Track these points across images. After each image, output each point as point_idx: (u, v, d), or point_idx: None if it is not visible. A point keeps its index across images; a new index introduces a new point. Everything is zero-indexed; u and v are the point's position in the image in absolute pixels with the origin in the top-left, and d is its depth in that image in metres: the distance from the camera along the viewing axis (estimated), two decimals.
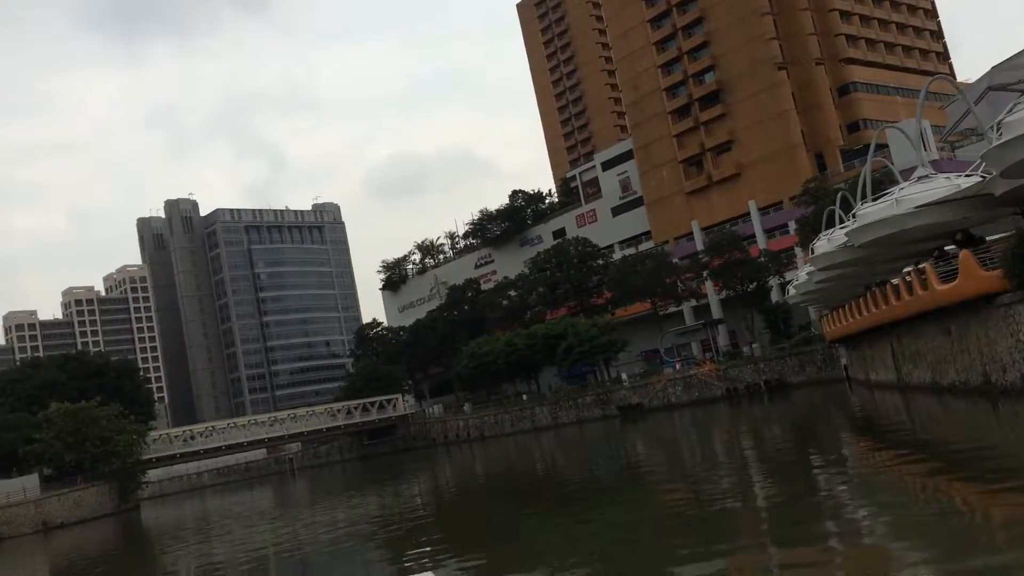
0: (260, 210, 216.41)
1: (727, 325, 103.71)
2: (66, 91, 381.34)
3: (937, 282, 35.86)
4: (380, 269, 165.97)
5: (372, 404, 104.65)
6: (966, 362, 36.67)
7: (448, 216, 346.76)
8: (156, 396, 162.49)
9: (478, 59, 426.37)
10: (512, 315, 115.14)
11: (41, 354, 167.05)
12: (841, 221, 50.81)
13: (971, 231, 36.86)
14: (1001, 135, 26.76)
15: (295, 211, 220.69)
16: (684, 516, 25.78)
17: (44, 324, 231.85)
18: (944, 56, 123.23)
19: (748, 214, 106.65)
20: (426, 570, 24.68)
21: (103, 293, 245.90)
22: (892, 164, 57.57)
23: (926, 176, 37.52)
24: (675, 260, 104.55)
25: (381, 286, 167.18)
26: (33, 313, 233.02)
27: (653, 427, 68.31)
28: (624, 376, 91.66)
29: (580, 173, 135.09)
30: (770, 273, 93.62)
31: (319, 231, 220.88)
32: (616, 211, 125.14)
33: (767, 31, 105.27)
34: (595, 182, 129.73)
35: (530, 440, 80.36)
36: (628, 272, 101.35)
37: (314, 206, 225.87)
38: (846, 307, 54.92)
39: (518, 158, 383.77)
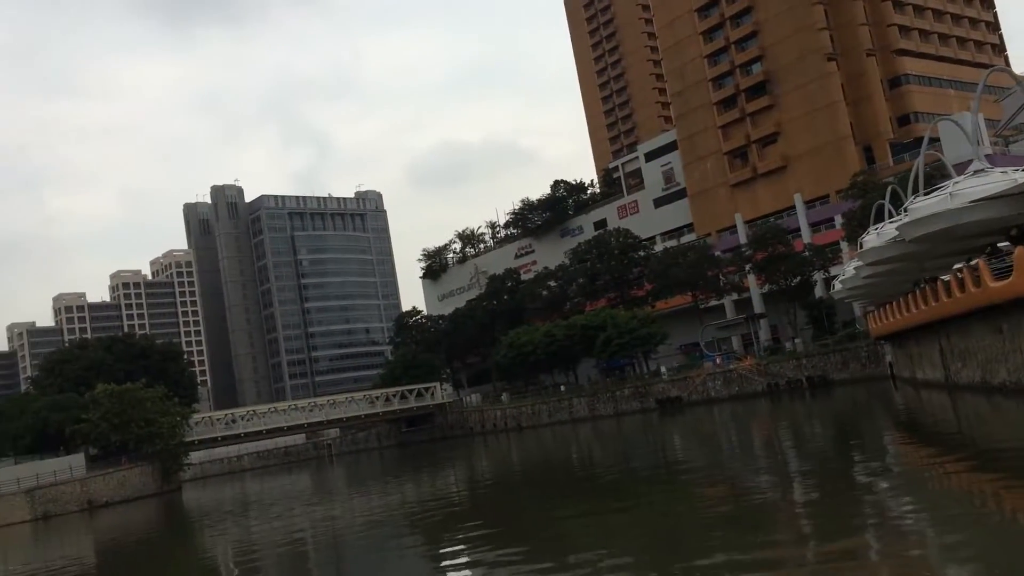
0: (304, 197, 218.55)
1: (769, 320, 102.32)
2: (119, 74, 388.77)
3: (990, 279, 34.85)
4: (421, 257, 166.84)
5: (410, 392, 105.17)
6: (1018, 361, 35.63)
7: (489, 205, 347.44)
8: (199, 379, 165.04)
9: (524, 48, 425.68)
10: (551, 306, 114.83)
11: (89, 336, 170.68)
12: (891, 215, 49.69)
13: None
14: None
15: (338, 198, 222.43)
16: (722, 510, 25.46)
17: (92, 306, 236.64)
18: (1000, 48, 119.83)
19: (793, 207, 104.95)
20: (461, 557, 24.64)
21: (150, 277, 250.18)
22: (943, 158, 56.15)
23: (982, 170, 36.48)
24: (717, 253, 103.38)
25: (421, 274, 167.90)
26: (82, 295, 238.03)
27: (692, 421, 67.70)
28: (663, 369, 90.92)
29: (623, 164, 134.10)
30: (814, 268, 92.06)
31: (361, 219, 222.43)
32: (658, 203, 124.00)
33: (817, 21, 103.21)
34: (638, 173, 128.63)
35: (567, 431, 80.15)
36: (669, 264, 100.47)
37: (357, 193, 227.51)
38: (893, 303, 53.74)
39: (561, 148, 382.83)
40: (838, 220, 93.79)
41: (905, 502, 22.03)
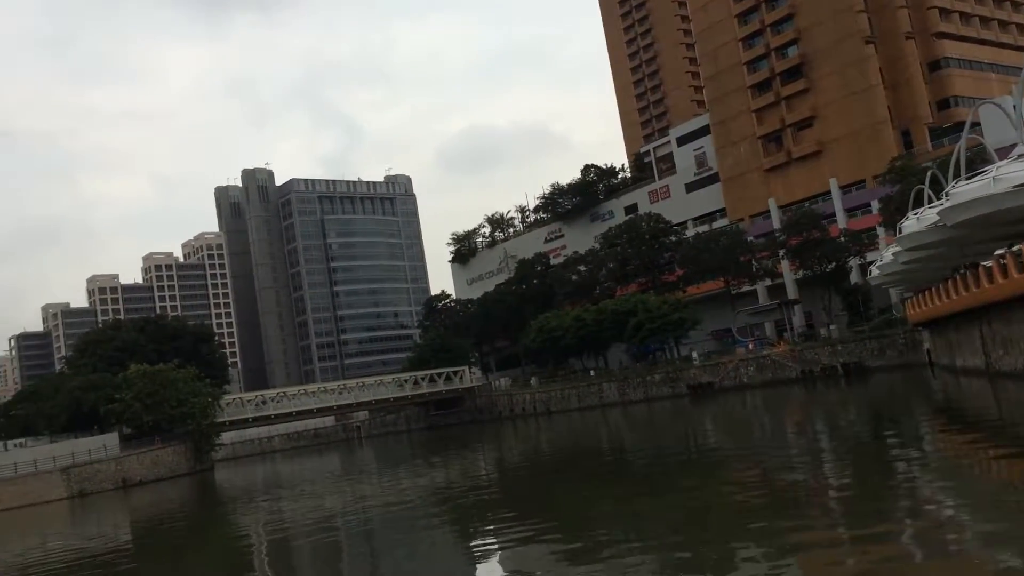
0: (333, 181, 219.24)
1: (803, 306, 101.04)
2: (153, 61, 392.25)
3: None
4: (450, 241, 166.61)
5: (439, 375, 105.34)
6: None
7: (519, 190, 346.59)
8: (229, 361, 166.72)
9: (554, 33, 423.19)
10: (581, 290, 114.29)
11: (122, 317, 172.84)
12: (931, 201, 48.64)
13: None
14: None
15: (368, 182, 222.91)
16: (754, 494, 25.12)
17: (125, 288, 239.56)
18: None
19: (828, 192, 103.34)
20: (490, 538, 24.50)
21: (182, 259, 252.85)
22: (985, 142, 54.82)
23: None
24: (750, 238, 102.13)
25: (450, 258, 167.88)
26: (115, 277, 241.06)
27: (724, 407, 67.09)
28: (695, 355, 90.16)
29: (654, 148, 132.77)
30: (850, 253, 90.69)
31: (391, 202, 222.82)
32: (690, 187, 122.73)
33: (855, 3, 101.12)
34: (669, 157, 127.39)
35: (597, 416, 79.84)
36: (701, 249, 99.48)
37: (386, 178, 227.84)
38: (932, 289, 52.71)
39: (591, 133, 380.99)
40: (875, 205, 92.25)
41: (941, 488, 21.57)
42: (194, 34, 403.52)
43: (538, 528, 24.51)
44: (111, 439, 77.20)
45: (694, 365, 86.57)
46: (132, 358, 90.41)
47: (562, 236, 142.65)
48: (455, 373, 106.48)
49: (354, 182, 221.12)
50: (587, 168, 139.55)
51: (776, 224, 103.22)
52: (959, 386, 49.88)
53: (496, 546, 23.41)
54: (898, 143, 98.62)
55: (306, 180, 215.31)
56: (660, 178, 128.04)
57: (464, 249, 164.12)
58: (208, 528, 39.82)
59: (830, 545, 17.37)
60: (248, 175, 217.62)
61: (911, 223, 48.55)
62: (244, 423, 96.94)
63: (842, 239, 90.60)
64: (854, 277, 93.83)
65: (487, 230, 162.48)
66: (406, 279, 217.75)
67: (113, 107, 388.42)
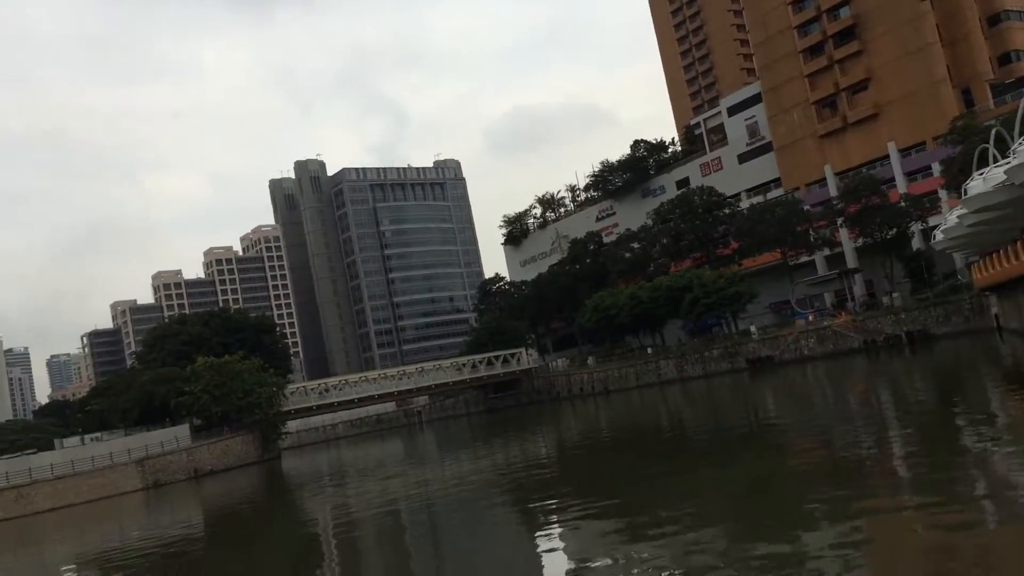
0: (384, 168, 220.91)
1: (863, 275, 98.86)
2: (203, 58, 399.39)
3: None
4: (501, 224, 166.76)
5: (496, 358, 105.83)
6: None
7: (569, 169, 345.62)
8: (291, 351, 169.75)
9: (597, 8, 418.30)
10: (635, 267, 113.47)
11: (187, 311, 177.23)
12: (996, 160, 47.00)
13: None
14: None
15: (417, 168, 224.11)
16: (818, 466, 24.79)
17: (188, 283, 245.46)
18: None
19: (887, 157, 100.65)
20: (552, 516, 24.63)
21: (240, 253, 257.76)
22: None
23: None
24: (807, 207, 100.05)
25: (503, 241, 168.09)
26: (178, 273, 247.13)
27: (785, 380, 66.15)
28: (753, 328, 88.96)
29: (704, 120, 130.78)
30: (911, 219, 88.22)
31: (441, 187, 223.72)
32: (743, 158, 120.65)
33: None
34: (720, 129, 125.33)
35: (655, 394, 79.45)
36: (756, 221, 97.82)
37: (435, 163, 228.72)
38: (1001, 252, 51.02)
39: (639, 108, 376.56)
40: (936, 168, 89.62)
41: (1013, 454, 20.96)
42: (239, 30, 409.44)
43: (600, 506, 24.57)
44: (182, 431, 79.32)
45: (753, 339, 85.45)
46: (198, 351, 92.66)
47: (614, 214, 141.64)
48: (512, 355, 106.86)
49: (404, 168, 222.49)
50: (636, 143, 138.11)
51: (833, 192, 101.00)
52: None
53: (558, 525, 23.53)
54: (958, 102, 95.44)
55: (357, 169, 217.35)
56: (711, 150, 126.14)
57: (516, 231, 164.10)
58: (277, 515, 40.80)
59: (898, 511, 17.09)
60: (300, 167, 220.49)
61: (976, 184, 46.95)
62: (308, 411, 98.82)
63: (903, 204, 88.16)
64: (916, 243, 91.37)
65: (538, 211, 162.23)
66: (460, 263, 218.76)
67: (166, 106, 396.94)
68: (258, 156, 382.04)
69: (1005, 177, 39.50)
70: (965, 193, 49.01)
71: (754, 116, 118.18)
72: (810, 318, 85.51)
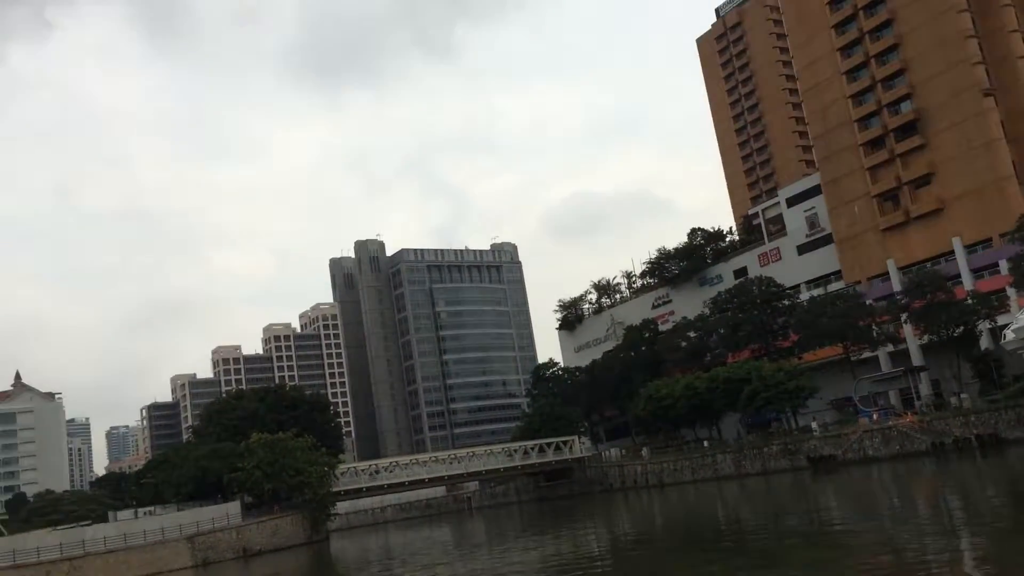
0: (442, 250, 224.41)
1: (929, 373, 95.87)
2: (273, 139, 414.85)
3: None
4: (556, 308, 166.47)
5: (548, 445, 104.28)
6: None
7: (625, 255, 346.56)
8: (344, 430, 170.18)
9: (656, 98, 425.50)
10: (691, 357, 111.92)
11: (244, 386, 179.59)
12: None
13: None
14: None
15: (474, 251, 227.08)
16: (884, 572, 23.57)
17: (247, 359, 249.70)
18: None
19: (951, 253, 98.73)
20: None
21: (299, 330, 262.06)
22: None
23: None
24: (869, 301, 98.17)
25: (557, 325, 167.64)
26: (237, 348, 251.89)
27: (848, 482, 63.85)
28: (814, 425, 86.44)
29: (763, 210, 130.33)
30: (979, 317, 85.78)
31: (497, 270, 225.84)
32: (802, 249, 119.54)
33: (972, 55, 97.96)
34: (779, 219, 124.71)
35: (712, 489, 77.27)
36: (817, 314, 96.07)
37: (492, 246, 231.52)
38: None
39: (697, 197, 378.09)
40: (1003, 265, 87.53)
41: None
42: (312, 114, 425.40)
43: None
44: (233, 507, 79.02)
45: (814, 436, 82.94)
46: (253, 427, 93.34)
47: (670, 301, 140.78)
48: (564, 443, 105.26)
49: (461, 251, 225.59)
50: (694, 231, 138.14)
51: (896, 286, 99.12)
52: None
53: None
54: None
55: (415, 250, 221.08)
56: (770, 240, 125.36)
57: (571, 316, 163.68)
58: None
59: None
60: (360, 246, 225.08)
61: None
62: (358, 492, 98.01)
63: (970, 301, 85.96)
64: (984, 342, 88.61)
65: (593, 296, 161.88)
66: (514, 347, 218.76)
67: (237, 184, 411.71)
68: (321, 234, 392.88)
69: None
70: None
71: (813, 208, 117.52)
72: (874, 417, 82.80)
